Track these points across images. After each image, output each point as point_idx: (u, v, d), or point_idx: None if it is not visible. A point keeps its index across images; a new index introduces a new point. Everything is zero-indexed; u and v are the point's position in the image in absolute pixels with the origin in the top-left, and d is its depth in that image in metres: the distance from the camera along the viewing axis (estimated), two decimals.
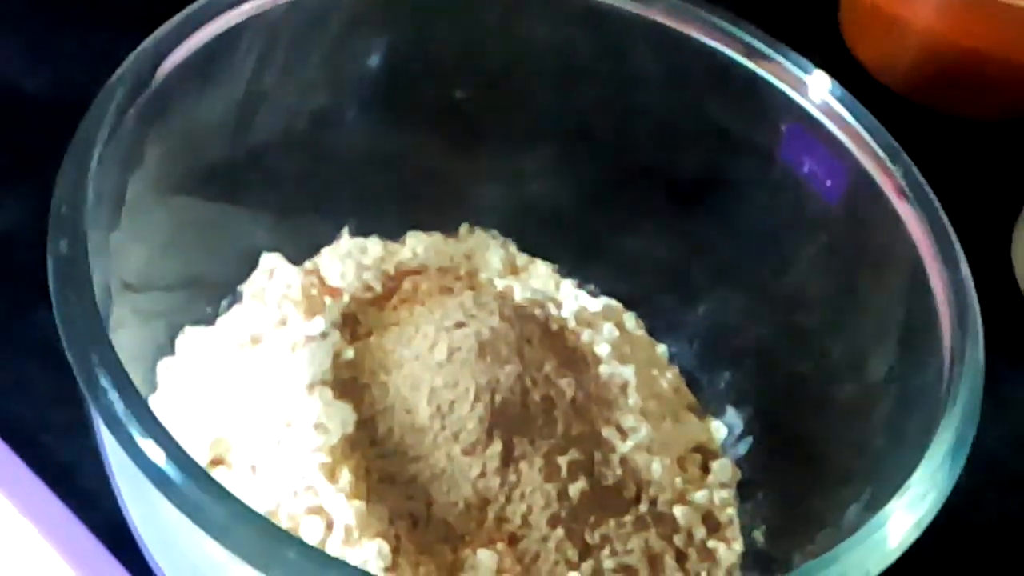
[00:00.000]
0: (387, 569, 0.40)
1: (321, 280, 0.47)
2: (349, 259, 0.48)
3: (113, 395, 0.33)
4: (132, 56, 0.40)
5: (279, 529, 0.34)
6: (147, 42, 0.41)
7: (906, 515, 0.36)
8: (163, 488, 0.33)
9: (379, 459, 0.41)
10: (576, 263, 0.50)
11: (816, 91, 0.45)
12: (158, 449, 0.33)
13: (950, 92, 0.62)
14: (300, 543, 0.33)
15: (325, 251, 0.48)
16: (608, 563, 0.42)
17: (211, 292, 0.46)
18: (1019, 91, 0.61)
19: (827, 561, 0.35)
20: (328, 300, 0.46)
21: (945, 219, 0.43)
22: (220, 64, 0.43)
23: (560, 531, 0.41)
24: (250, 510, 0.33)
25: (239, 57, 0.43)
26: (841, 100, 0.45)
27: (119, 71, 0.40)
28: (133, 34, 0.42)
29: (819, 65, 0.46)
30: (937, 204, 0.43)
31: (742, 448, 0.47)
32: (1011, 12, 0.58)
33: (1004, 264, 0.58)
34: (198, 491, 0.33)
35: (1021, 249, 0.57)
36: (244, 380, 0.43)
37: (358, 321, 0.45)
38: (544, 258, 0.51)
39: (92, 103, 0.39)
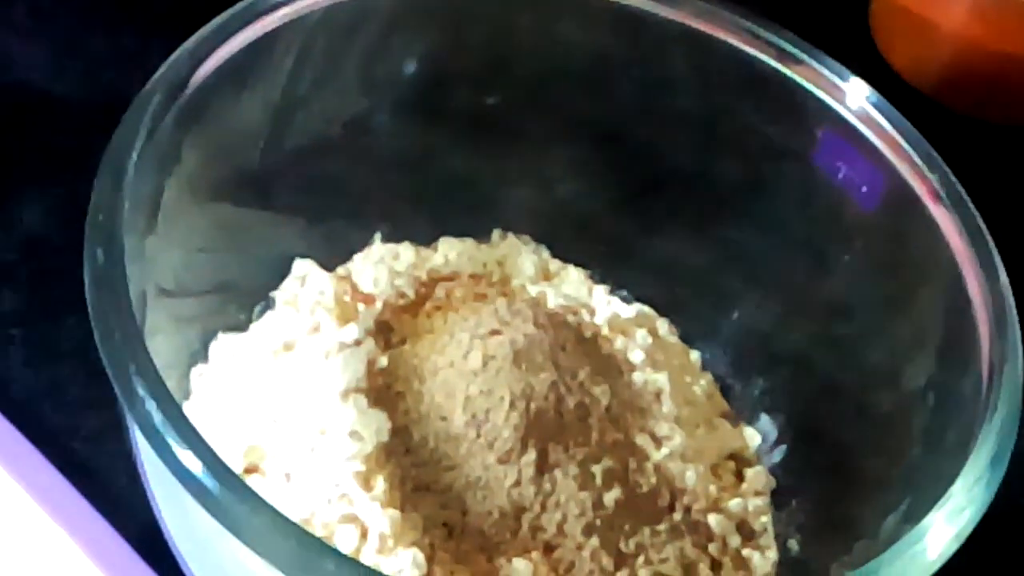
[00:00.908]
0: None
1: (354, 287, 0.47)
2: (382, 265, 0.48)
3: (150, 404, 0.33)
4: (168, 61, 0.40)
5: (316, 539, 0.33)
6: (183, 47, 0.40)
7: (946, 527, 0.36)
8: (200, 497, 0.33)
9: (414, 467, 0.41)
10: (609, 269, 0.50)
11: (852, 97, 0.45)
12: (195, 459, 0.33)
13: (983, 96, 0.62)
14: (337, 554, 0.33)
15: (357, 257, 0.48)
16: (643, 572, 0.42)
17: (244, 298, 0.46)
18: None
19: (867, 572, 0.35)
20: (361, 307, 0.46)
21: (983, 226, 0.42)
22: (256, 69, 0.43)
23: (595, 540, 0.41)
24: (287, 520, 0.33)
25: (274, 62, 0.43)
26: (877, 106, 0.45)
27: (155, 76, 0.40)
28: (162, 35, 0.42)
29: (851, 70, 0.46)
30: (975, 211, 0.43)
31: (776, 456, 0.47)
32: None
33: None
34: (235, 501, 0.33)
35: None
36: (278, 387, 0.43)
37: (391, 328, 0.45)
38: (577, 264, 0.50)
39: (125, 107, 0.39)
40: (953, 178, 0.43)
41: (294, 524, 0.33)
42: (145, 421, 0.33)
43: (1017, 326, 0.40)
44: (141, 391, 0.33)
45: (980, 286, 0.41)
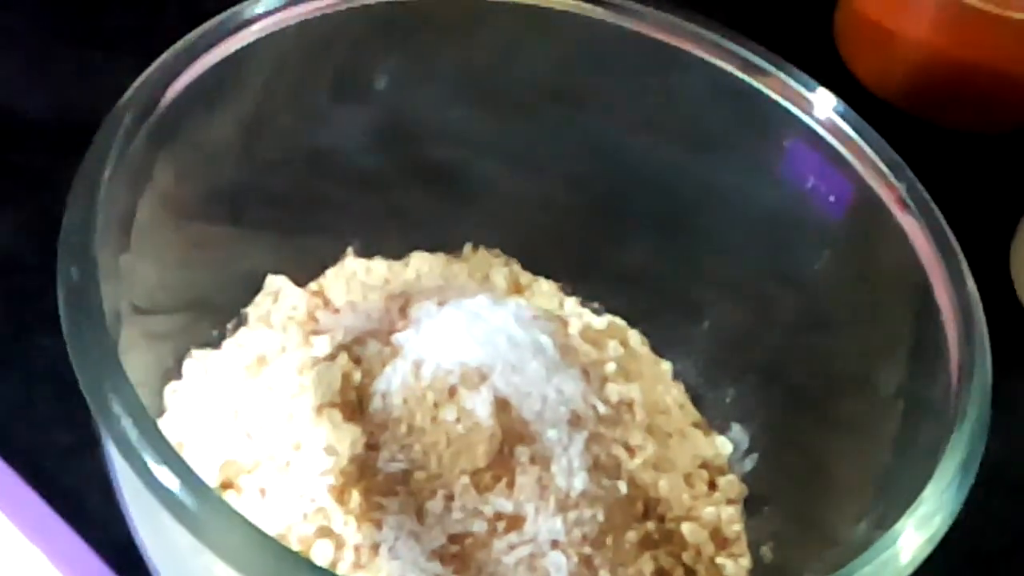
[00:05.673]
0: None
1: (326, 301, 0.47)
2: (354, 280, 0.48)
3: (126, 421, 0.33)
4: (140, 80, 0.40)
5: (292, 553, 0.34)
6: (154, 66, 0.41)
7: (917, 532, 0.36)
8: (176, 513, 0.33)
9: (389, 482, 0.41)
10: (579, 281, 0.51)
11: (818, 107, 0.45)
12: (171, 475, 0.33)
13: (947, 105, 0.62)
14: (313, 567, 0.33)
15: (330, 272, 0.48)
16: None
17: (217, 315, 0.46)
18: (1015, 103, 0.62)
19: None
20: (334, 321, 0.46)
21: (950, 233, 0.43)
22: (227, 87, 0.43)
23: (570, 549, 0.41)
24: (264, 534, 0.33)
25: (246, 80, 0.43)
26: (843, 116, 0.45)
27: (127, 95, 0.40)
28: (131, 54, 0.42)
29: (816, 80, 0.46)
30: (941, 219, 0.43)
31: (748, 464, 0.47)
32: (1006, 24, 0.59)
33: (1003, 276, 0.58)
34: (212, 516, 0.33)
35: (1019, 261, 0.57)
36: (252, 403, 0.43)
37: (365, 343, 0.45)
38: (548, 276, 0.51)
39: (94, 125, 0.39)
40: (920, 186, 0.44)
41: (271, 538, 0.33)
42: (121, 438, 0.33)
43: (985, 331, 0.41)
44: (116, 408, 0.33)
45: (948, 293, 0.41)
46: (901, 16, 0.62)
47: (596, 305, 0.50)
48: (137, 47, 0.42)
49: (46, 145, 0.54)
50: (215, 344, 0.46)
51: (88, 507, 0.44)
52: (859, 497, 0.42)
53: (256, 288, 0.47)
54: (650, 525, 0.44)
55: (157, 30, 0.42)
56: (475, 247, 0.51)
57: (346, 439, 0.42)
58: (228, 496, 0.42)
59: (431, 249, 0.50)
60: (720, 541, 0.45)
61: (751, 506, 0.46)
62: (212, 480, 0.42)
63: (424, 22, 0.46)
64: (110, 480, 0.39)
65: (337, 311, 0.47)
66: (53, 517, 0.44)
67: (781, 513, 0.46)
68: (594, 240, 0.50)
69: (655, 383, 0.48)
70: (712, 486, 0.47)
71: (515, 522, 0.41)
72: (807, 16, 0.67)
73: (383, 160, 0.48)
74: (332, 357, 0.44)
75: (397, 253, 0.50)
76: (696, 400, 0.49)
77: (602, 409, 0.44)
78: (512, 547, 0.41)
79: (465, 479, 0.41)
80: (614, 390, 0.46)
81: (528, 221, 0.51)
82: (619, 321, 0.50)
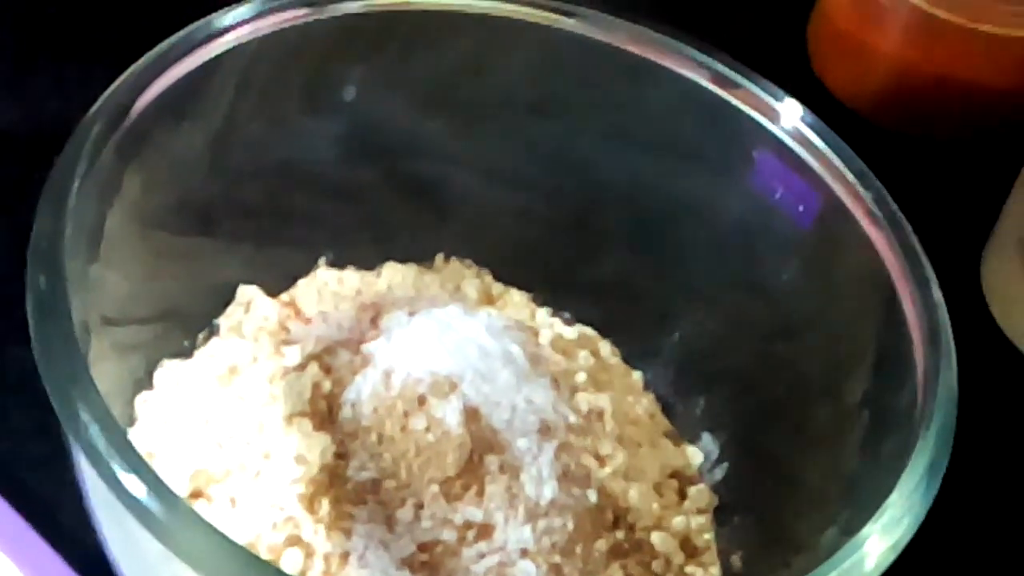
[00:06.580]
0: None
1: (298, 312, 0.47)
2: (326, 290, 0.48)
3: (94, 429, 0.33)
4: (109, 90, 0.40)
5: (262, 562, 0.34)
6: (124, 76, 0.41)
7: (882, 538, 0.37)
8: (145, 522, 0.33)
9: (358, 490, 0.41)
10: (551, 291, 0.51)
11: (787, 118, 0.46)
12: (140, 483, 0.33)
13: (917, 116, 0.62)
14: (283, 575, 0.33)
15: (301, 283, 0.49)
16: None
17: (188, 325, 0.47)
18: (985, 114, 0.62)
19: None
20: (305, 332, 0.46)
21: (916, 243, 0.43)
22: (196, 98, 0.43)
23: (539, 558, 0.41)
24: (233, 543, 0.33)
25: (215, 91, 0.43)
26: (812, 127, 0.45)
27: (96, 105, 0.40)
28: (105, 67, 0.42)
29: (788, 92, 0.46)
30: (908, 228, 0.43)
31: (718, 473, 0.47)
32: (976, 36, 0.59)
33: (974, 286, 0.58)
34: (180, 525, 0.33)
35: (991, 271, 0.58)
36: (222, 413, 0.43)
37: (336, 353, 0.45)
38: (519, 287, 0.51)
39: (69, 137, 0.39)
40: (887, 196, 0.44)
41: (240, 547, 0.33)
42: (89, 447, 0.33)
43: (951, 339, 0.41)
44: (84, 416, 0.34)
45: (913, 301, 0.42)
46: (873, 28, 0.62)
47: (567, 315, 0.51)
48: (113, 60, 0.42)
49: (20, 157, 0.54)
50: (186, 354, 0.46)
51: (61, 518, 0.44)
52: (827, 504, 0.42)
53: (227, 298, 0.47)
54: (620, 534, 0.44)
55: (133, 43, 0.42)
56: (447, 258, 0.51)
57: (316, 448, 0.42)
58: (198, 505, 0.42)
59: (403, 260, 0.50)
60: (690, 550, 0.45)
61: (721, 515, 0.47)
62: (182, 489, 0.42)
63: (395, 33, 0.47)
64: (81, 490, 0.39)
65: (308, 321, 0.47)
66: (25, 528, 0.44)
67: (751, 522, 0.46)
68: (565, 251, 0.50)
69: (625, 393, 0.48)
70: (682, 495, 0.47)
71: (485, 531, 0.41)
72: (780, 28, 0.67)
73: (355, 171, 0.48)
74: (302, 367, 0.44)
75: (369, 264, 0.50)
76: (666, 410, 0.49)
77: (572, 418, 0.44)
78: (482, 556, 0.41)
79: (435, 488, 0.41)
80: (584, 399, 0.46)
81: (500, 232, 0.51)
82: (590, 331, 0.50)
